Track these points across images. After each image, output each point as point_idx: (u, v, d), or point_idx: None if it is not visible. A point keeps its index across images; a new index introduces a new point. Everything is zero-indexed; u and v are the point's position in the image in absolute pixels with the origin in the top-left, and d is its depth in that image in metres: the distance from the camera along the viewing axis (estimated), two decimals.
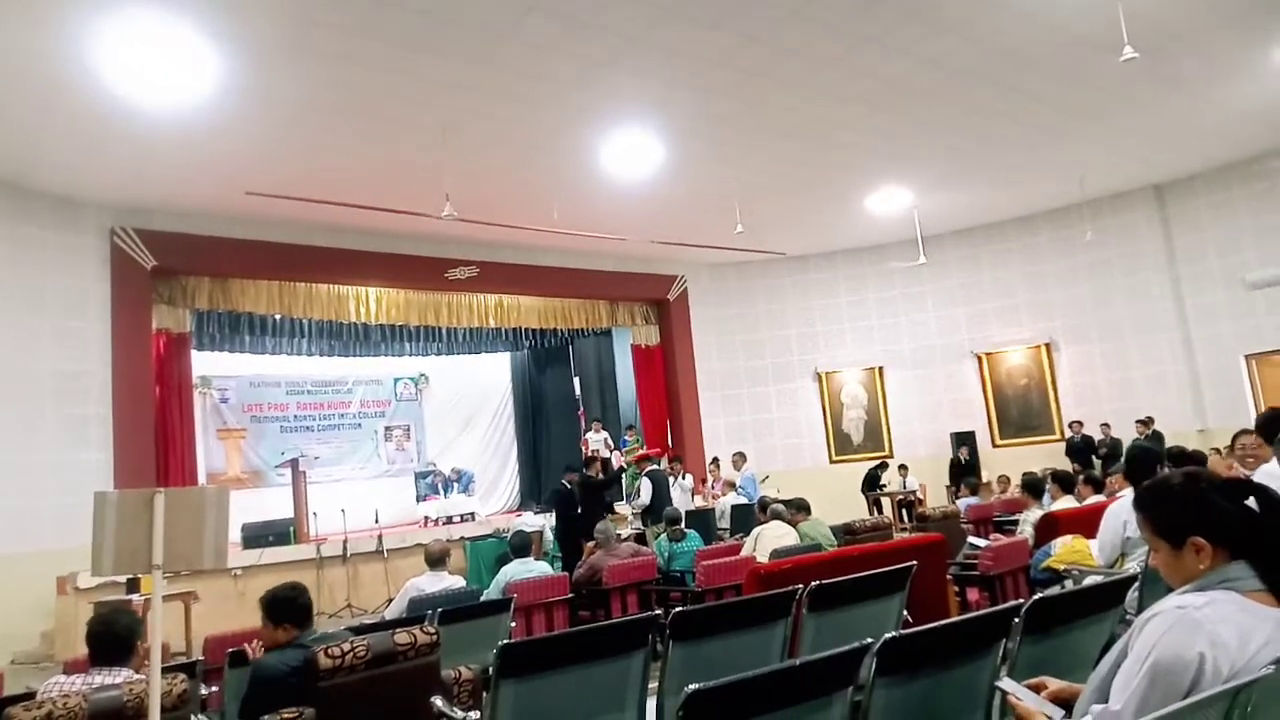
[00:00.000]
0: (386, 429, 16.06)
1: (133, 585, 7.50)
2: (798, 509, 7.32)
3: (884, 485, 13.98)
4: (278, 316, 12.45)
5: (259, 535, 10.50)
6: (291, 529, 10.85)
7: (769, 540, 6.81)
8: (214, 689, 4.39)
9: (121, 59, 6.85)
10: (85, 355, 9.65)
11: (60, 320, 9.52)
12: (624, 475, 13.71)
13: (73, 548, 8.30)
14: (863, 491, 13.85)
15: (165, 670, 2.99)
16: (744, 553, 7.07)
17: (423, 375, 16.55)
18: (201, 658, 4.80)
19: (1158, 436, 11.95)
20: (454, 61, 7.46)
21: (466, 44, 7.19)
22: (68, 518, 8.71)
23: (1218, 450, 9.50)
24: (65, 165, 8.91)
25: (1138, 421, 12.43)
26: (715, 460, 13.38)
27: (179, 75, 7.18)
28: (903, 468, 14.02)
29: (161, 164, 8.95)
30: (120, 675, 3.29)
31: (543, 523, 10.91)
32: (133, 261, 10.06)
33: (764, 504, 7.71)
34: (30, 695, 3.46)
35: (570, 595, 6.40)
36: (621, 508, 12.32)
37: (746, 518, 10.05)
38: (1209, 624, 1.66)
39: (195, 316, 11.28)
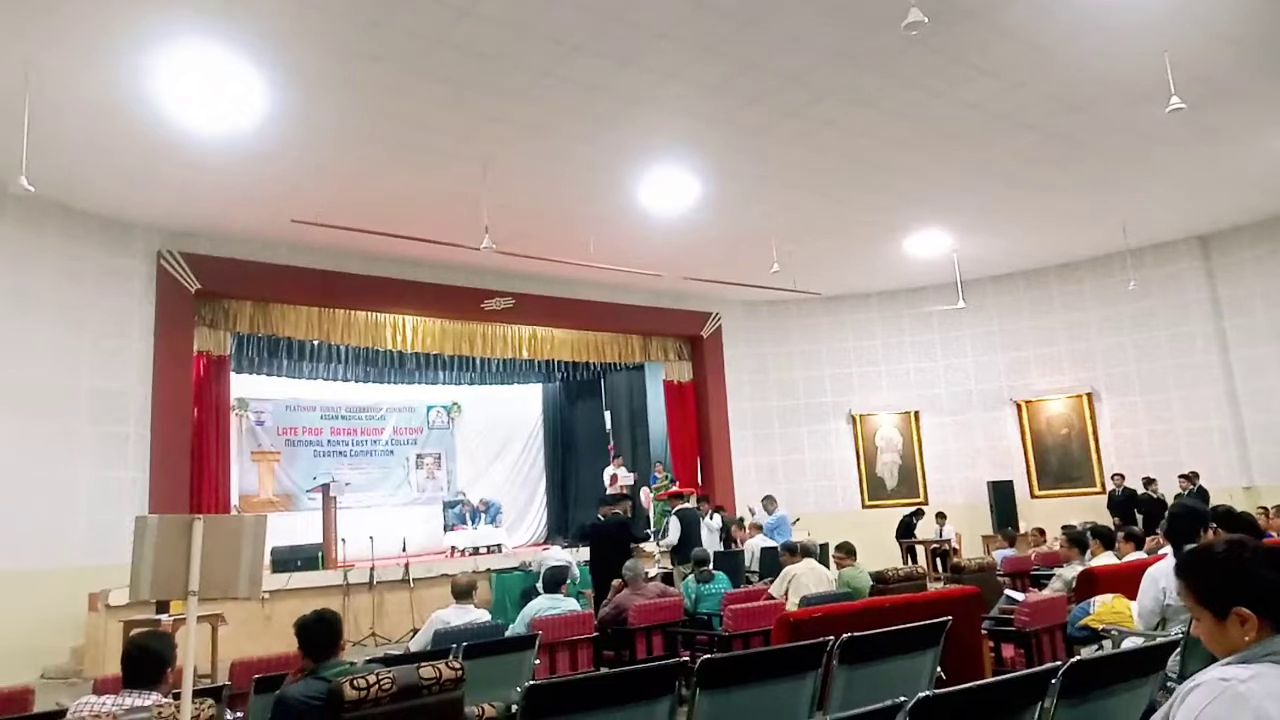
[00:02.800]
0: (418, 456, 16.15)
1: (162, 605, 7.57)
2: (846, 553, 7.25)
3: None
4: (315, 342, 12.64)
5: (288, 559, 10.56)
6: (320, 554, 10.91)
7: (802, 582, 6.73)
8: (239, 714, 4.40)
9: (173, 86, 7.06)
10: (126, 375, 9.84)
11: (103, 339, 9.74)
12: (651, 511, 13.65)
13: (106, 565, 8.43)
14: (897, 538, 13.63)
15: (194, 695, 3.01)
16: (772, 591, 6.98)
17: (455, 404, 16.66)
18: (228, 682, 4.81)
19: (1202, 493, 11.66)
20: (497, 97, 7.61)
21: (510, 80, 7.33)
22: (102, 535, 8.85)
23: (1265, 509, 9.27)
24: (115, 188, 9.17)
25: (1181, 476, 12.16)
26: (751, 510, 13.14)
27: (229, 103, 7.39)
28: (940, 515, 13.78)
29: (209, 189, 9.20)
30: (150, 698, 3.32)
31: (569, 557, 10.87)
32: (177, 284, 10.30)
33: (790, 546, 7.59)
34: (61, 714, 3.50)
35: (595, 634, 6.35)
36: (649, 546, 12.23)
37: (775, 560, 9.93)
38: (1254, 698, 1.61)
39: (235, 339, 11.49)
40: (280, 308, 11.49)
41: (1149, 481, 12.34)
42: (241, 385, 13.13)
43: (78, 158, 8.39)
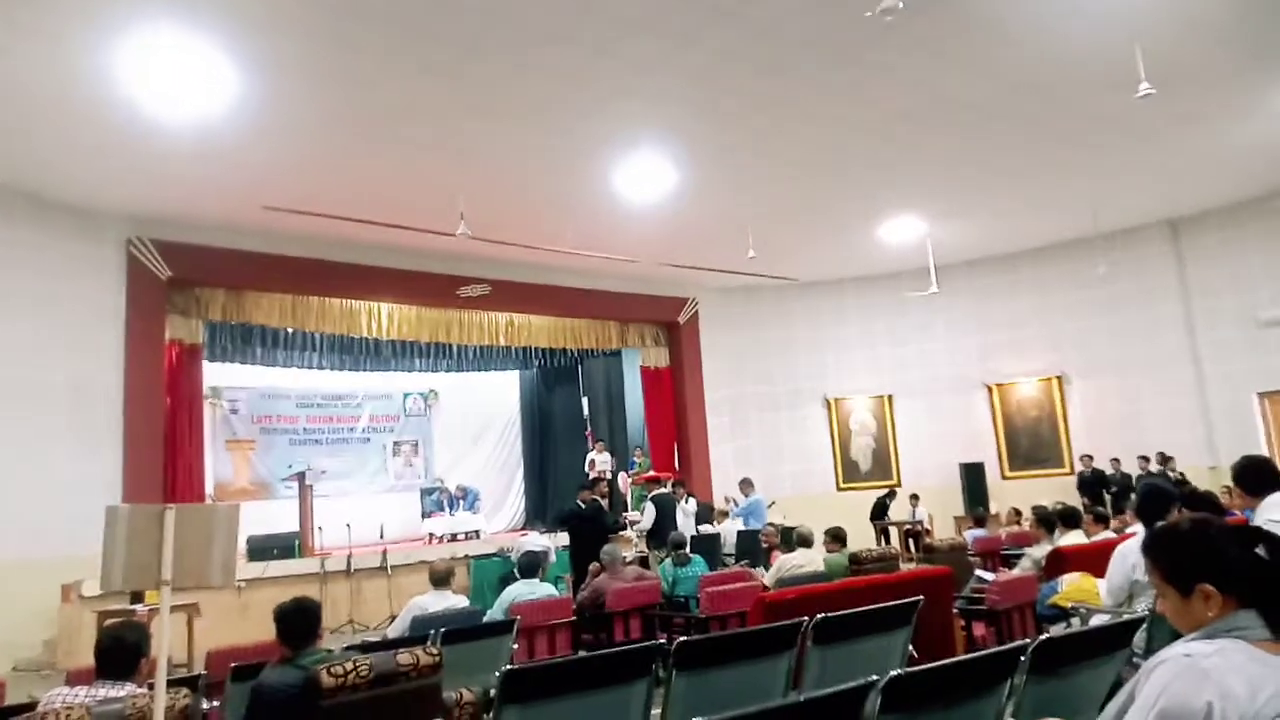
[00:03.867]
0: (395, 444, 16.08)
1: (137, 596, 7.51)
2: (834, 539, 7.30)
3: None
4: (290, 330, 12.54)
5: (264, 548, 10.50)
6: (297, 542, 10.85)
7: (788, 568, 6.79)
8: (215, 704, 4.38)
9: (143, 73, 6.94)
10: (98, 364, 9.71)
11: (74, 329, 9.60)
12: (629, 495, 13.70)
13: (78, 556, 8.31)
14: (871, 520, 13.78)
15: (168, 685, 3.00)
16: (766, 582, 7.01)
17: (432, 391, 16.59)
18: (204, 671, 4.79)
19: (1167, 476, 11.90)
20: (473, 84, 7.54)
21: (487, 67, 7.27)
22: (74, 526, 8.72)
23: (1228, 488, 9.45)
24: (85, 176, 9.01)
25: (1141, 457, 12.41)
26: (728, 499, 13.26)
27: (199, 89, 7.27)
28: (914, 497, 13.96)
29: (180, 176, 9.05)
30: (124, 689, 3.29)
31: (548, 543, 10.88)
32: (148, 272, 10.15)
33: (783, 535, 7.61)
34: (32, 706, 3.47)
35: (573, 618, 6.38)
36: (629, 531, 12.27)
37: (751, 544, 10.01)
38: (1217, 673, 1.64)
39: (208, 328, 11.35)
40: (253, 295, 11.36)
41: (1151, 459, 12.54)
42: (215, 374, 13.00)
43: (45, 145, 8.24)
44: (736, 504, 12.46)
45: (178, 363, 10.73)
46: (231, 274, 10.93)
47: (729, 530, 11.14)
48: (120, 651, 3.40)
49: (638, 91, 7.89)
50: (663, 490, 11.03)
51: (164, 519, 2.71)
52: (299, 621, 3.59)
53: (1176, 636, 1.83)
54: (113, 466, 9.63)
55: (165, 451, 10.25)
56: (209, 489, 12.30)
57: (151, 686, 3.01)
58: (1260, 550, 1.79)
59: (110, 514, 2.77)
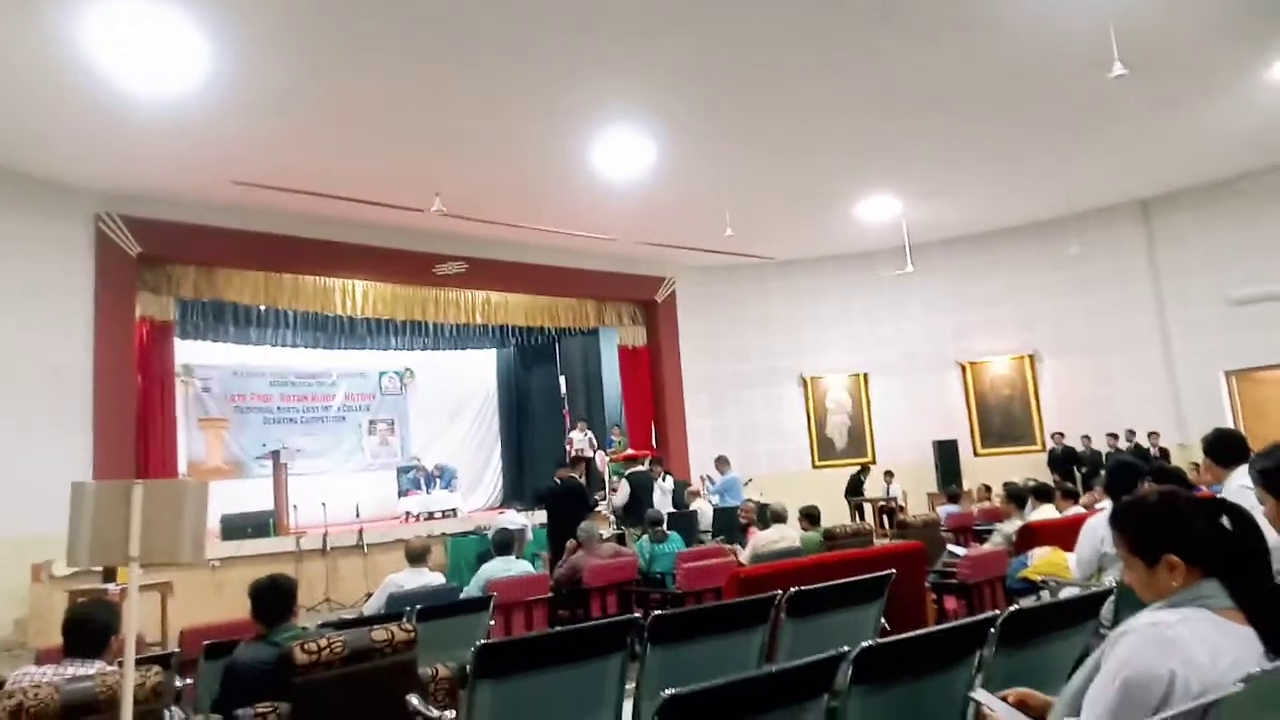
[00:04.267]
0: (370, 422, 15.99)
1: (109, 574, 7.45)
2: (807, 518, 7.35)
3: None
4: (263, 307, 12.38)
5: (238, 526, 10.43)
6: (271, 521, 10.79)
7: (764, 545, 6.83)
8: (189, 681, 4.36)
9: (113, 44, 6.79)
10: (67, 341, 9.55)
11: (43, 306, 9.42)
12: (606, 473, 13.73)
13: (49, 535, 8.14)
14: (845, 497, 13.91)
15: (139, 662, 2.98)
16: (743, 560, 7.06)
17: (408, 370, 16.49)
18: (177, 650, 4.76)
19: (1140, 450, 12.10)
20: (448, 60, 7.44)
21: (463, 43, 7.17)
22: (45, 504, 8.56)
23: (1196, 465, 9.63)
24: (52, 150, 8.82)
25: (1110, 435, 12.60)
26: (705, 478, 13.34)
27: (170, 62, 7.13)
28: (888, 474, 14.09)
29: (150, 151, 8.88)
30: (94, 667, 3.26)
31: (525, 521, 10.89)
32: (118, 248, 9.97)
33: (759, 513, 7.66)
34: None
35: (550, 594, 6.40)
36: (603, 508, 12.31)
37: (728, 521, 10.07)
38: (1182, 642, 1.68)
39: (179, 305, 11.18)
40: (225, 272, 11.20)
41: (1120, 436, 12.76)
42: (187, 352, 12.83)
43: (10, 118, 8.04)
44: (712, 482, 12.51)
45: (149, 340, 10.58)
46: (203, 250, 10.76)
47: (705, 508, 11.20)
48: (87, 629, 3.36)
49: (617, 67, 7.82)
50: (639, 468, 11.05)
51: (131, 495, 2.67)
52: (273, 599, 3.57)
53: (1143, 608, 1.85)
54: (84, 446, 9.50)
55: (137, 430, 10.13)
56: (182, 468, 12.16)
57: (122, 664, 2.98)
58: (1224, 521, 1.82)
59: (76, 490, 2.72)
